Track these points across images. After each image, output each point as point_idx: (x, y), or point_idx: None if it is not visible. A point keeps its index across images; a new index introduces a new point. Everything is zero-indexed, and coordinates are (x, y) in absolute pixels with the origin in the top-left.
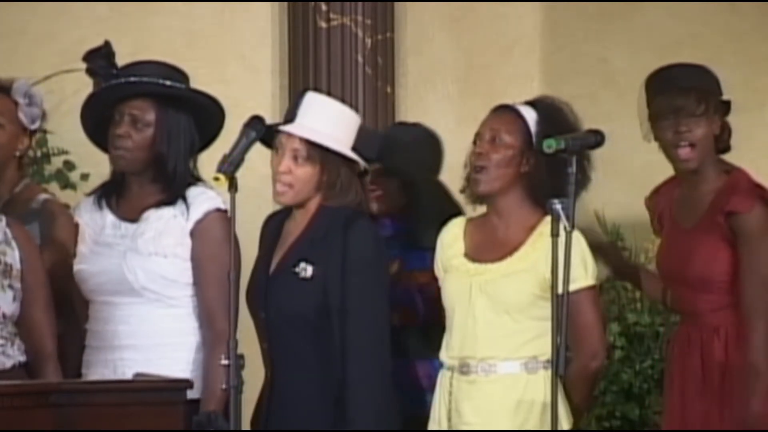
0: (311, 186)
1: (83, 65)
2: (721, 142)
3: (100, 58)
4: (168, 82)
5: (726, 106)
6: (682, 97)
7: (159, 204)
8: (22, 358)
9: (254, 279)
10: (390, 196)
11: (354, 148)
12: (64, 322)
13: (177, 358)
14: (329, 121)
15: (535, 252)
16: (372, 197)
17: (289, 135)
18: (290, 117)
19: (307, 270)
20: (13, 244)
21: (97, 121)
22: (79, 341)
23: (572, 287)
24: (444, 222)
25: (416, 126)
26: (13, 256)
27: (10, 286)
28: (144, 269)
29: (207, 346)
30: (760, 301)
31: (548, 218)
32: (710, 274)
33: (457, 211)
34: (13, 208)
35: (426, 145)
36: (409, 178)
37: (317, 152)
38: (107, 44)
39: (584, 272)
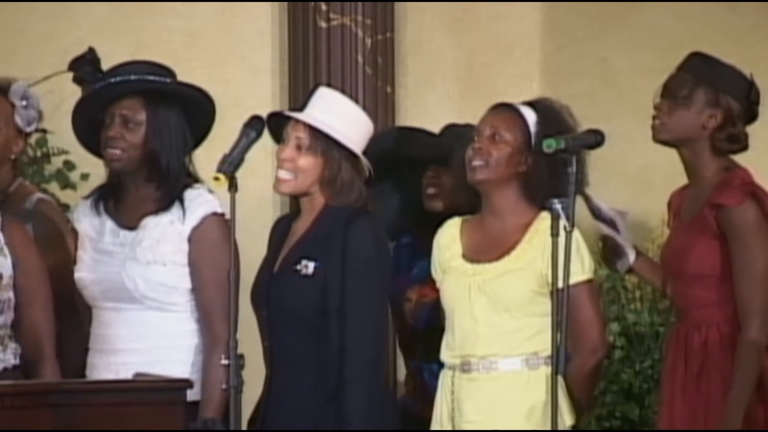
0: (313, 178)
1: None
2: (718, 141)
3: (85, 65)
4: (156, 78)
5: (746, 115)
6: (675, 78)
7: (157, 210)
8: (15, 362)
9: (259, 278)
10: (448, 194)
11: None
12: (64, 323)
13: (178, 360)
14: (336, 116)
15: (532, 249)
16: (430, 195)
17: (295, 124)
18: (300, 108)
19: (308, 267)
20: (6, 250)
21: (89, 125)
22: (81, 342)
23: (569, 282)
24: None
25: (468, 126)
26: (4, 264)
27: None
28: (143, 278)
29: (205, 349)
30: (754, 298)
31: (543, 215)
32: (700, 269)
33: None
34: (6, 209)
35: None
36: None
37: (320, 144)
38: (91, 50)
39: (581, 267)
